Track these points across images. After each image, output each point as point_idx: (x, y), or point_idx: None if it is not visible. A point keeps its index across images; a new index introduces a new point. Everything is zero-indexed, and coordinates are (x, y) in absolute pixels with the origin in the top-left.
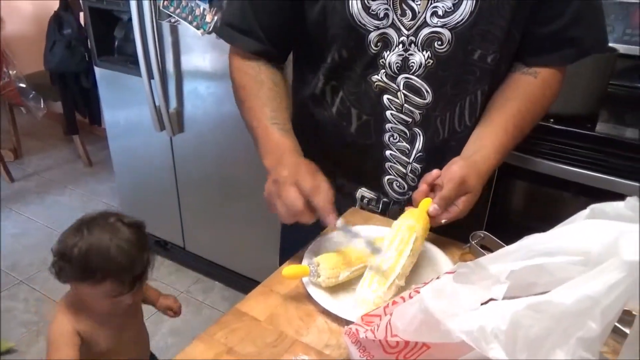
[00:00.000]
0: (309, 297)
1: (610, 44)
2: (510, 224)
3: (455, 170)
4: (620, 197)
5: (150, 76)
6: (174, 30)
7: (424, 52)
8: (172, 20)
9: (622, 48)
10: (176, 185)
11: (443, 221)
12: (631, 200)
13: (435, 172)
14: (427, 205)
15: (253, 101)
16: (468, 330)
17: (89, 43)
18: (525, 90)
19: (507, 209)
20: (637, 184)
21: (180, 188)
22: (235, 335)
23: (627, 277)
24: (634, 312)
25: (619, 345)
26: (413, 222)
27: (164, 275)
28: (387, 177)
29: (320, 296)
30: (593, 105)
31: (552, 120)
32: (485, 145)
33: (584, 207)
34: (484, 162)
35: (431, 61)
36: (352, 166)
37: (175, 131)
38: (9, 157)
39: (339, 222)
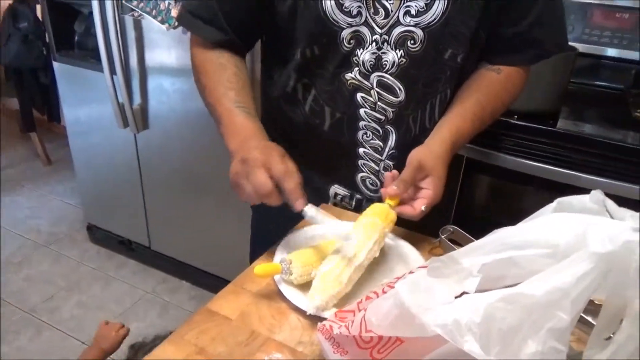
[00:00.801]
0: (281, 295)
1: (570, 43)
2: (476, 218)
3: (411, 154)
4: (581, 190)
5: (113, 72)
6: (138, 24)
7: (397, 51)
8: (136, 14)
9: (581, 47)
10: (141, 183)
11: (422, 208)
12: (596, 194)
13: (390, 174)
14: (394, 200)
15: (216, 85)
16: (443, 324)
17: (46, 37)
18: (487, 84)
19: (473, 203)
20: (597, 178)
21: (145, 186)
22: (206, 335)
23: (594, 268)
24: (597, 302)
25: (584, 334)
26: (377, 219)
27: (128, 276)
28: (360, 175)
29: (293, 294)
30: (555, 102)
31: (515, 116)
32: (441, 131)
33: (547, 201)
34: (440, 144)
35: (404, 60)
36: (325, 164)
37: (139, 128)
38: None
39: (308, 207)
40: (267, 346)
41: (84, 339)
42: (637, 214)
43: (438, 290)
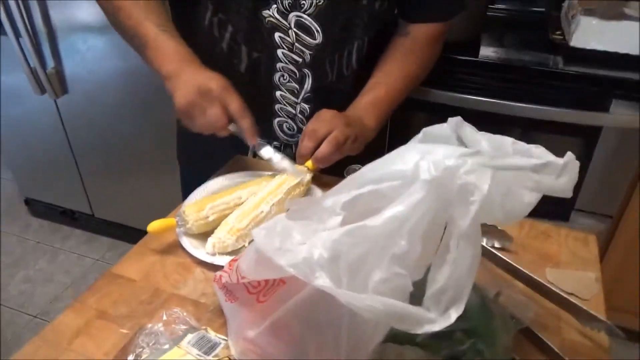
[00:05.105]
0: (184, 249)
1: None
2: None
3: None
4: (507, 118)
5: (18, 34)
6: None
7: None
8: None
9: None
10: (71, 150)
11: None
12: (452, 121)
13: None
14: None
15: (132, 10)
16: (294, 263)
17: None
18: (396, 51)
19: (406, 141)
20: (520, 104)
21: (76, 153)
22: (108, 299)
23: (427, 196)
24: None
25: None
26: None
27: (74, 246)
28: (277, 119)
29: (193, 246)
30: (475, 30)
31: None
32: (361, 107)
33: None
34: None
35: (322, 1)
36: None
37: (58, 93)
38: None
39: (267, 147)
40: (170, 302)
41: (35, 313)
42: (495, 137)
43: (295, 232)
